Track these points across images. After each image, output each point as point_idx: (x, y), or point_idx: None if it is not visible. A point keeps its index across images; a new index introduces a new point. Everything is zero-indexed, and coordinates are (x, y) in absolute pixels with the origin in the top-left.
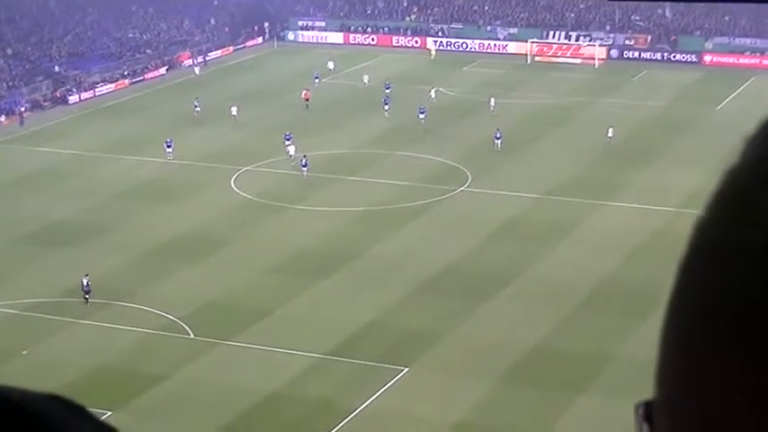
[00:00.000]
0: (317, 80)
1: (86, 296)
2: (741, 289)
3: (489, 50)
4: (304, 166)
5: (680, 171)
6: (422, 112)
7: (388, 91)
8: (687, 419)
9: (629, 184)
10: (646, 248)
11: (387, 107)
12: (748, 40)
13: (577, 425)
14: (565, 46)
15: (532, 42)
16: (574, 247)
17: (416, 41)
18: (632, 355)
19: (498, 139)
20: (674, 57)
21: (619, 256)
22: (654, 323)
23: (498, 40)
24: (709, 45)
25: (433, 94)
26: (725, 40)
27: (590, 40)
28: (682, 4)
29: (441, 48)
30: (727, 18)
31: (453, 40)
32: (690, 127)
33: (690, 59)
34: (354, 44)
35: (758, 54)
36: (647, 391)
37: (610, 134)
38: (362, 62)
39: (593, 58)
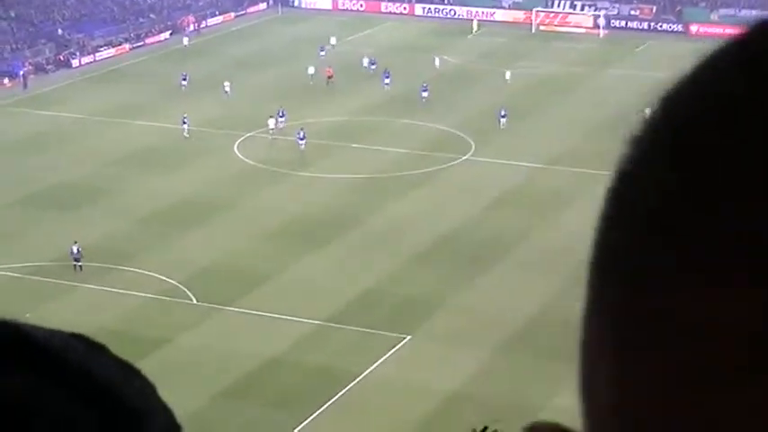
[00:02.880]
0: (322, 53)
1: (77, 263)
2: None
3: (495, 19)
4: (302, 140)
5: None
6: (424, 90)
7: (373, 67)
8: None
9: None
10: None
11: (387, 80)
12: (754, 12)
13: (576, 396)
14: (551, 14)
15: (537, 11)
16: (576, 216)
17: (425, 9)
18: None
19: (503, 117)
20: (679, 28)
21: None
22: None
23: (504, 8)
24: (714, 17)
25: (437, 62)
26: (730, 11)
27: (595, 10)
28: None
29: (449, 16)
30: None
31: (459, 8)
32: None
33: (695, 31)
34: (362, 11)
35: None
36: None
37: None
38: (369, 29)
39: (582, 27)
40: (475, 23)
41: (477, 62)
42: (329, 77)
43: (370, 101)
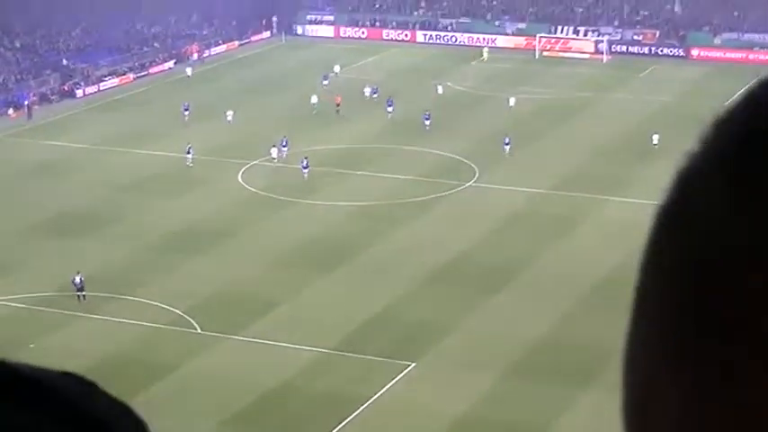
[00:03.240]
0: (325, 82)
1: (80, 293)
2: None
3: (497, 45)
4: (305, 168)
5: None
6: (427, 118)
7: (375, 96)
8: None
9: (636, 179)
10: None
11: (390, 108)
12: (757, 36)
13: (582, 419)
14: (553, 40)
15: (540, 37)
16: (580, 241)
17: (426, 35)
18: None
19: (507, 144)
20: (681, 52)
21: (625, 250)
22: None
23: (507, 34)
24: (717, 41)
25: (439, 89)
26: (734, 35)
27: (598, 35)
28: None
29: (450, 42)
30: (736, 14)
31: (461, 35)
32: (697, 122)
33: (698, 55)
34: (363, 38)
35: (767, 50)
36: None
37: (655, 141)
38: (372, 56)
39: (585, 52)
40: (485, 51)
41: (480, 88)
42: (338, 105)
43: (373, 128)
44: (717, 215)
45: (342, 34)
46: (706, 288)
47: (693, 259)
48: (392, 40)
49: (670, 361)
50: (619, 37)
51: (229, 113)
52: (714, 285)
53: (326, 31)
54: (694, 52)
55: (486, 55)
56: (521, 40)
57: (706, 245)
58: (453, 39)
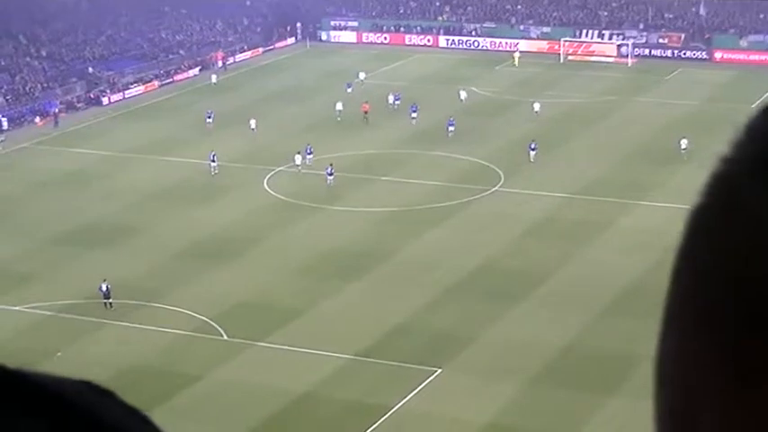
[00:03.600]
0: (349, 89)
1: (107, 300)
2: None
3: (522, 49)
4: (330, 175)
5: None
6: (451, 125)
7: (398, 102)
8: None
9: (662, 183)
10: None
11: (414, 114)
12: None
13: (607, 427)
14: (577, 44)
15: (565, 41)
16: (606, 247)
17: (449, 40)
18: None
19: (533, 150)
20: (707, 55)
21: (650, 256)
22: None
23: (531, 39)
24: (744, 43)
25: (463, 95)
26: (760, 37)
27: (623, 39)
28: (716, 1)
29: (473, 47)
30: (762, 16)
31: (483, 39)
32: (724, 126)
33: (724, 57)
34: (387, 44)
35: None
36: None
37: (684, 146)
38: (396, 62)
39: (610, 56)
40: (516, 56)
41: (506, 93)
42: (365, 113)
43: (398, 134)
44: (755, 216)
45: (365, 40)
46: (748, 291)
47: (733, 262)
48: (416, 45)
49: (713, 368)
50: (644, 40)
51: (252, 122)
52: (757, 287)
53: (350, 37)
54: (720, 55)
55: (517, 60)
56: (546, 45)
57: (745, 247)
58: (477, 44)
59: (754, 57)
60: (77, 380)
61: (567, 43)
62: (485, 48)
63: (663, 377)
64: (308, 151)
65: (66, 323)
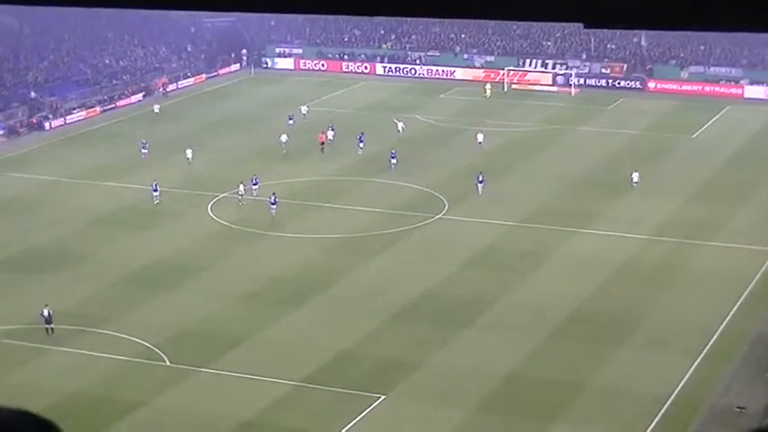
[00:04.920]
0: (291, 121)
1: (48, 326)
2: None
3: (466, 78)
4: (273, 204)
5: (655, 200)
6: (393, 157)
7: (332, 134)
8: None
9: (603, 212)
10: (620, 276)
11: (362, 145)
12: (723, 70)
13: None
14: (511, 72)
15: (509, 70)
16: (549, 274)
17: (394, 68)
18: (606, 384)
19: (481, 183)
20: (649, 85)
21: (593, 283)
22: (627, 351)
23: (475, 68)
24: (684, 74)
25: (400, 126)
26: (700, 69)
27: (566, 69)
28: (657, 33)
29: (417, 75)
30: (702, 47)
31: (429, 68)
32: (665, 156)
33: (665, 88)
34: (331, 71)
35: (733, 83)
36: (620, 419)
37: (635, 179)
38: (340, 89)
39: (554, 85)
40: (488, 87)
41: (450, 121)
42: (322, 143)
43: (343, 163)
44: None
45: (309, 67)
46: None
47: None
48: (361, 73)
49: None
50: (587, 70)
51: (189, 152)
52: None
53: (295, 64)
54: (661, 85)
55: (489, 91)
56: (489, 74)
57: None
58: (423, 71)
59: (695, 87)
60: (17, 410)
61: (512, 73)
62: (421, 75)
63: None
64: (254, 182)
65: (6, 349)
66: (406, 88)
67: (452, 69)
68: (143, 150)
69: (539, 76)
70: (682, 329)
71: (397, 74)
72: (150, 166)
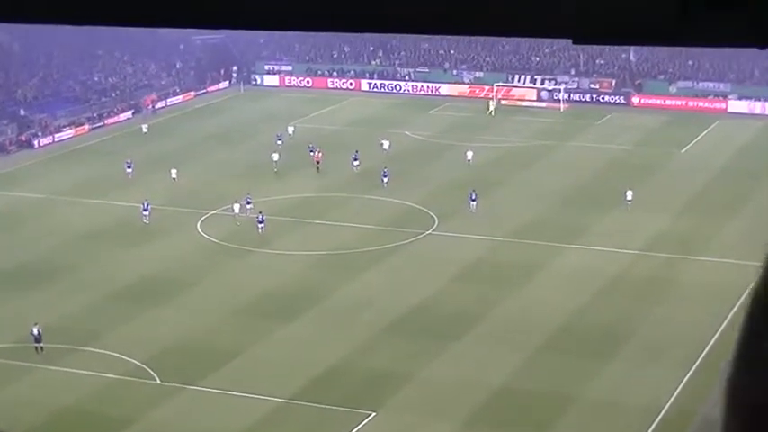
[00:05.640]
0: (279, 141)
1: (38, 344)
2: None
3: (454, 94)
4: (260, 222)
5: (643, 214)
6: (385, 176)
7: (312, 153)
8: None
9: (593, 226)
10: (609, 290)
11: (356, 163)
12: (711, 85)
13: None
14: (497, 87)
15: (498, 86)
16: (539, 289)
17: (382, 85)
18: (597, 396)
19: (474, 201)
20: (638, 100)
21: (582, 297)
22: (617, 364)
23: (464, 84)
24: (673, 89)
25: (386, 144)
26: (689, 84)
27: (555, 84)
28: (646, 48)
29: (407, 92)
30: (690, 63)
31: (419, 84)
32: (654, 170)
33: (654, 103)
34: (321, 88)
35: (721, 98)
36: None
37: (629, 197)
38: (330, 105)
39: (543, 101)
40: (491, 104)
41: (439, 137)
42: (317, 163)
43: (333, 179)
44: None
45: (299, 84)
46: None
47: None
48: (350, 89)
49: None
50: (576, 86)
51: (173, 171)
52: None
53: (284, 81)
54: (650, 100)
55: (492, 108)
56: (464, 88)
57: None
58: (398, 87)
59: (683, 102)
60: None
61: (502, 89)
62: (407, 91)
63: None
64: (247, 201)
65: None
66: (395, 104)
67: (441, 86)
68: (128, 170)
69: (527, 91)
70: (673, 342)
71: (386, 90)
72: (136, 185)
